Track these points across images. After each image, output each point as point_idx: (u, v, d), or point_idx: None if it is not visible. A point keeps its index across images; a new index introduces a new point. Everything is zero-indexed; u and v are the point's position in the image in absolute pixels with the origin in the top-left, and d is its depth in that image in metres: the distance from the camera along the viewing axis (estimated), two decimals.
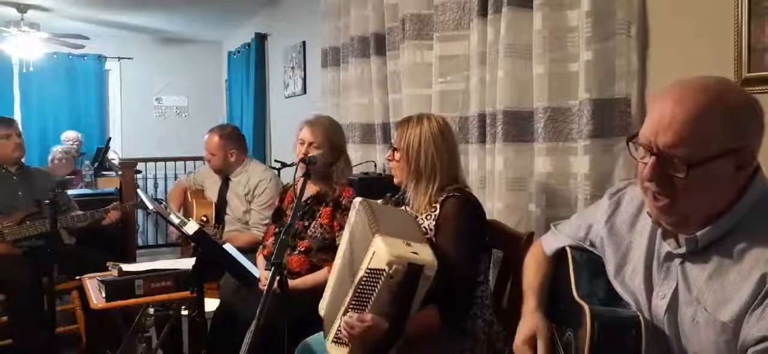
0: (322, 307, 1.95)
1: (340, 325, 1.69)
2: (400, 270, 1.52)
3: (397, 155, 1.97)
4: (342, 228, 2.40)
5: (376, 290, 1.56)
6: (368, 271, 1.59)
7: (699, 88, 1.08)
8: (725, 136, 1.05)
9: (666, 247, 1.19)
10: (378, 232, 1.60)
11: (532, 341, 1.31)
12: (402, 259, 1.52)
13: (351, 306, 1.63)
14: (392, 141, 2.04)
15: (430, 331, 1.73)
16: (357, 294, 1.63)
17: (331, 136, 2.53)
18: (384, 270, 1.53)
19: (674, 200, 1.10)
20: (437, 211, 1.86)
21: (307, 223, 2.49)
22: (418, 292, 1.57)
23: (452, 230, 1.81)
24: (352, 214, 1.91)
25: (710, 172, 1.06)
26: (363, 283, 1.60)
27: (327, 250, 2.44)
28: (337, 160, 2.52)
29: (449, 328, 1.77)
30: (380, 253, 1.54)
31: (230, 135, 3.53)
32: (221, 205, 3.53)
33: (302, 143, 2.54)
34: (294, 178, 2.63)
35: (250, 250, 2.88)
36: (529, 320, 1.37)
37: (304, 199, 2.41)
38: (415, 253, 1.56)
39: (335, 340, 1.74)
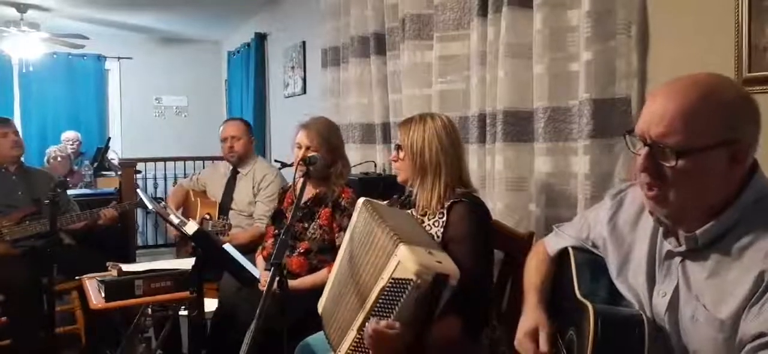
0: (321, 305, 1.95)
1: (355, 337, 1.65)
2: (427, 280, 1.50)
3: (401, 154, 1.95)
4: (342, 229, 2.39)
5: (402, 300, 1.54)
6: (393, 280, 1.55)
7: (692, 83, 1.11)
8: (716, 128, 1.07)
9: (667, 245, 1.20)
10: (400, 240, 1.56)
11: (533, 334, 1.32)
12: (430, 269, 1.51)
13: (373, 314, 1.60)
14: (396, 141, 2.03)
15: (451, 340, 1.70)
16: (380, 302, 1.59)
17: (327, 138, 2.52)
18: (411, 280, 1.50)
19: (666, 190, 1.12)
20: (445, 218, 1.82)
21: (306, 225, 2.49)
22: (441, 300, 1.55)
23: (465, 239, 1.78)
24: (354, 215, 1.90)
25: (701, 162, 1.07)
26: (387, 291, 1.57)
27: (327, 251, 2.44)
28: (335, 161, 2.51)
29: (466, 339, 1.75)
30: (406, 262, 1.52)
31: (247, 123, 3.74)
32: (227, 201, 3.55)
33: (299, 147, 2.53)
34: (294, 180, 2.64)
35: (254, 248, 2.88)
36: (531, 314, 1.37)
37: (303, 200, 2.40)
38: (440, 262, 1.55)
39: (351, 352, 1.70)
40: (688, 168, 1.07)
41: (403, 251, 1.53)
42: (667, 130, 1.08)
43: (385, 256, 1.59)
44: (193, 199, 3.72)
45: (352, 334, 1.68)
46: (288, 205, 2.68)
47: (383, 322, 1.55)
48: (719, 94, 1.09)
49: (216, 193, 3.64)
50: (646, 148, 1.12)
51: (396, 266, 1.54)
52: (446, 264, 1.56)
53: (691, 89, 1.09)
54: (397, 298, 1.55)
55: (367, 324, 1.59)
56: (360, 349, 1.66)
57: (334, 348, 1.79)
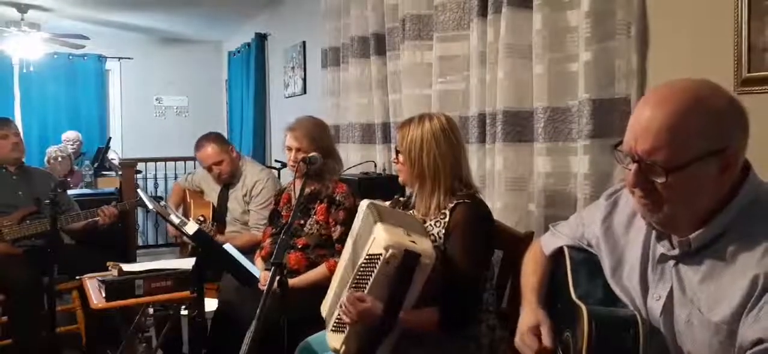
0: (324, 309, 1.95)
1: (338, 313, 1.73)
2: (396, 255, 1.57)
3: (400, 158, 1.92)
4: (337, 223, 2.46)
5: (374, 274, 1.62)
6: (368, 256, 1.65)
7: (675, 92, 1.08)
8: (704, 138, 1.05)
9: (660, 248, 1.20)
10: (379, 220, 1.66)
11: (535, 329, 1.31)
12: (399, 245, 1.58)
13: (351, 287, 1.69)
14: (396, 143, 2.01)
15: (428, 330, 1.74)
16: (356, 279, 1.68)
17: (315, 137, 2.57)
18: (381, 254, 1.58)
19: (659, 204, 1.11)
20: (447, 219, 1.81)
21: (303, 221, 2.52)
22: (414, 280, 1.60)
23: (463, 239, 1.77)
24: (358, 218, 1.90)
25: (691, 175, 1.06)
26: (362, 268, 1.67)
27: (324, 246, 2.48)
28: (326, 158, 2.52)
29: (451, 334, 1.77)
30: (379, 238, 1.60)
31: (217, 137, 3.52)
32: (222, 210, 3.52)
33: (289, 150, 2.59)
34: (293, 180, 2.65)
35: (250, 251, 2.88)
36: (532, 312, 1.37)
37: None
38: (414, 242, 1.61)
39: (334, 328, 1.78)
40: (679, 182, 1.06)
41: (378, 229, 1.63)
42: (654, 146, 1.06)
43: (367, 239, 1.69)
44: (188, 199, 3.71)
45: (335, 313, 1.78)
46: (284, 205, 2.71)
47: (355, 294, 1.64)
48: (705, 103, 1.06)
49: (212, 198, 3.61)
50: (635, 165, 1.10)
51: (371, 243, 1.64)
52: (421, 245, 1.62)
53: (676, 99, 1.07)
54: (370, 274, 1.64)
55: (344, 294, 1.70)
56: (341, 325, 1.74)
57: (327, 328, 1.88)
